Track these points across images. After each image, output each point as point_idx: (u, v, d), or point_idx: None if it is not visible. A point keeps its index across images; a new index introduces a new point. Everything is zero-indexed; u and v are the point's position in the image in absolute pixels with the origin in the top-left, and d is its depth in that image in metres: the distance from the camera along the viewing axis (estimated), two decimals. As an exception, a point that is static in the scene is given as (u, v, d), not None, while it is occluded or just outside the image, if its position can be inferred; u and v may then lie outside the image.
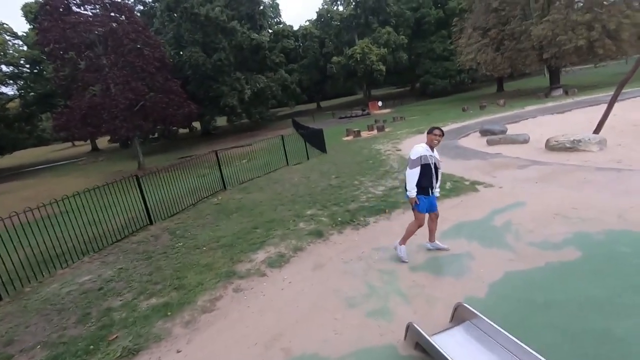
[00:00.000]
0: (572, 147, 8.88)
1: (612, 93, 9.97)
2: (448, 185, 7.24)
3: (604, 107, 10.01)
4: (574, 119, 14.01)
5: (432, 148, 4.27)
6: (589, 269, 3.72)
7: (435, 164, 4.26)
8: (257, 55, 38.45)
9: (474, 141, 12.55)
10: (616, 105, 9.98)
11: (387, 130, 19.45)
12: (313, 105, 60.79)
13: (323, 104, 60.84)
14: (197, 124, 45.36)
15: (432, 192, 4.32)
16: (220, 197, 9.21)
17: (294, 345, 3.23)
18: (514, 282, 3.68)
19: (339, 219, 6.16)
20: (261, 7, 40.44)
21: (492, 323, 2.68)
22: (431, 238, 4.65)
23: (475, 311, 2.85)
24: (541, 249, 4.29)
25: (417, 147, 4.26)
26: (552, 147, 9.31)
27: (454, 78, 42.94)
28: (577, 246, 4.19)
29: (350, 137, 18.74)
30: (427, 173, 4.21)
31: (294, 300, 3.96)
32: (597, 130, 9.84)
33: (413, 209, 4.36)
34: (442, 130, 4.30)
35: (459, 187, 7.13)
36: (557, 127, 12.25)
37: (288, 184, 9.48)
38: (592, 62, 29.20)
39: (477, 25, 30.27)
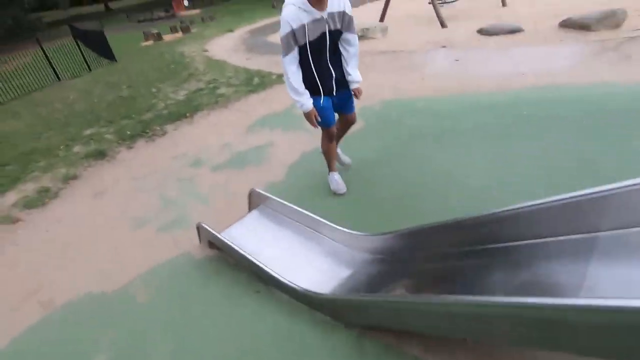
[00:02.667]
0: (363, 34, 9.61)
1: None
2: (256, 80, 6.89)
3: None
4: (364, 11, 15.29)
5: (321, 1, 2.20)
6: (371, 134, 4.13)
7: (329, 32, 2.29)
8: None
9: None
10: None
11: (193, 31, 17.03)
12: (99, 7, 47.47)
13: (113, 4, 48.06)
14: None
15: (335, 89, 2.54)
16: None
17: (56, 296, 2.49)
18: (309, 159, 3.76)
19: (129, 132, 5.06)
20: None
21: (280, 200, 2.60)
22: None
23: (266, 193, 2.71)
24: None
25: (286, 12, 2.20)
26: (347, 36, 9.87)
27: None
28: (362, 117, 4.59)
29: (149, 42, 15.61)
30: (315, 53, 2.33)
31: (59, 241, 3.07)
32: (381, 19, 11.04)
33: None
34: None
35: (265, 82, 6.84)
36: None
37: (59, 104, 7.24)
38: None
39: None
